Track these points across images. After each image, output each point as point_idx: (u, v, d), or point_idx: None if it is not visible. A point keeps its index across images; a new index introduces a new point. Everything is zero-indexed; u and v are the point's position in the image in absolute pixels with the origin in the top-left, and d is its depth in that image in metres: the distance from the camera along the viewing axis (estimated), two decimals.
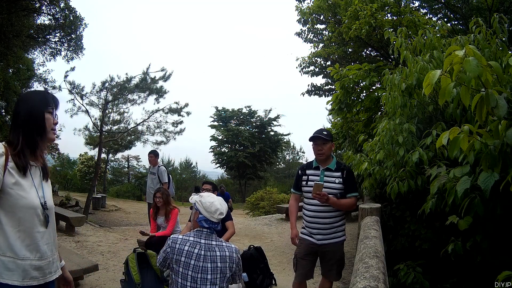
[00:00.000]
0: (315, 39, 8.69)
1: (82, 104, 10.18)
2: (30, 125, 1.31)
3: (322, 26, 8.26)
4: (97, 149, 13.09)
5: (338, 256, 2.54)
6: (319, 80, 14.81)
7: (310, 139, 2.57)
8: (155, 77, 10.77)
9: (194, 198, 2.01)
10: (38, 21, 9.76)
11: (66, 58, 10.18)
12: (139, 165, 31.16)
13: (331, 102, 4.95)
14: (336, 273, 2.57)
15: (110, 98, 10.33)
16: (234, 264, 1.86)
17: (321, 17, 7.66)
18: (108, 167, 24.57)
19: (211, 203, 1.89)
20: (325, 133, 2.57)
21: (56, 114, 1.40)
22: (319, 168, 2.57)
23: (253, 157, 25.00)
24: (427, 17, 6.77)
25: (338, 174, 2.50)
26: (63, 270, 1.52)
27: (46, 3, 8.90)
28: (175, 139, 12.29)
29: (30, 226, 1.26)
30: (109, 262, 4.45)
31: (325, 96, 9.23)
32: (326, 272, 2.61)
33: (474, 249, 2.03)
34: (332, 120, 7.60)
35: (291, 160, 36.11)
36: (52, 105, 1.38)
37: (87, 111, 10.25)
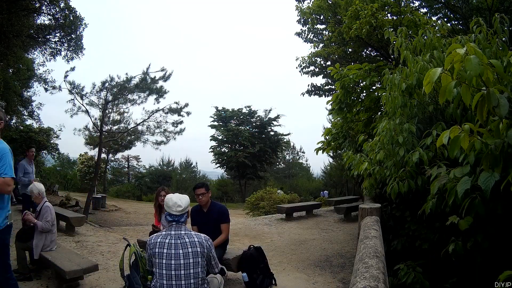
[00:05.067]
0: (315, 39, 8.70)
1: (82, 104, 10.15)
2: None
3: (322, 26, 8.27)
4: (97, 149, 13.08)
5: None
6: (319, 80, 14.82)
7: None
8: (155, 77, 10.74)
9: None
10: (38, 21, 9.75)
11: (66, 58, 10.18)
12: (139, 165, 31.21)
13: (331, 102, 4.95)
14: None
15: (110, 98, 10.31)
16: (205, 249, 2.05)
17: (321, 17, 7.66)
18: (108, 167, 24.53)
19: (169, 198, 2.16)
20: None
21: None
22: None
23: (253, 157, 24.96)
24: (427, 17, 6.77)
25: None
26: None
27: (46, 3, 8.89)
28: (175, 139, 12.27)
29: None
30: (109, 262, 4.44)
31: (325, 96, 9.27)
32: None
33: (475, 249, 2.02)
34: (332, 120, 7.58)
35: (291, 160, 36.12)
36: None
37: (87, 111, 10.23)
